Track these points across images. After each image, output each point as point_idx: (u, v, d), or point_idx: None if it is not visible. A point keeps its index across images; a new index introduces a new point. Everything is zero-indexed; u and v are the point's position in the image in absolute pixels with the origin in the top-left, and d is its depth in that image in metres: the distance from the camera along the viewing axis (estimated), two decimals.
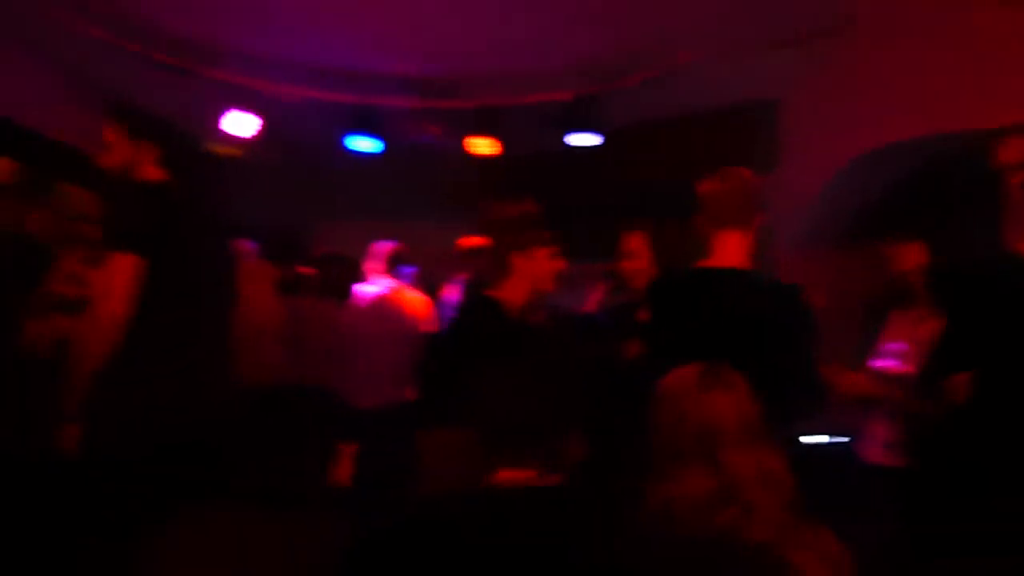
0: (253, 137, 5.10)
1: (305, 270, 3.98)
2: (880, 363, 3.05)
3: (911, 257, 2.98)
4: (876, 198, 4.56)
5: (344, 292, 4.17)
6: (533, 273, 2.46)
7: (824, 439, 4.13)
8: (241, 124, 4.98)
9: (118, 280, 2.15)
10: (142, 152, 2.43)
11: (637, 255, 2.63)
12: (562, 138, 5.01)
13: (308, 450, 1.67)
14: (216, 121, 4.94)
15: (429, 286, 5.10)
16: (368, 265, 4.37)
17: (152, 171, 2.44)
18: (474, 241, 4.32)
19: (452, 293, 4.34)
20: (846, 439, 4.01)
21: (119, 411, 2.15)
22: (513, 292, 2.46)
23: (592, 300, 3.66)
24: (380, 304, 4.28)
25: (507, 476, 1.55)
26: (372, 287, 4.36)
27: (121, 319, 2.13)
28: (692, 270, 2.38)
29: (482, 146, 5.14)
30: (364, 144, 5.21)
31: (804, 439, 4.12)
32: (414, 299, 4.41)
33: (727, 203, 2.31)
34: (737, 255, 2.31)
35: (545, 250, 2.46)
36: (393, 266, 4.43)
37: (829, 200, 4.66)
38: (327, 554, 1.55)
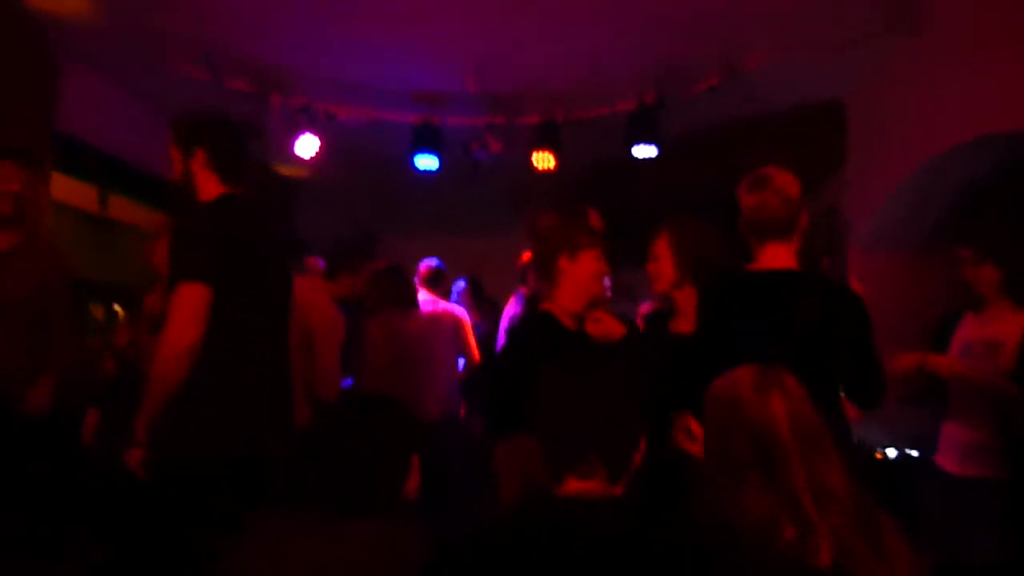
0: (321, 158, 5.24)
1: (366, 283, 4.06)
2: None
3: (983, 268, 2.86)
4: (950, 201, 4.43)
5: (403, 302, 4.23)
6: (579, 277, 2.40)
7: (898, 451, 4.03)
8: (310, 146, 5.12)
9: (187, 307, 2.15)
10: (195, 160, 2.36)
11: (660, 257, 2.60)
12: (627, 149, 5.01)
13: (382, 460, 1.68)
14: (286, 144, 5.10)
15: (492, 300, 5.16)
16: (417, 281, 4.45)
17: (209, 182, 2.36)
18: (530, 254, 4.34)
19: (513, 307, 4.38)
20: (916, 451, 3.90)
21: (190, 431, 2.17)
22: (566, 300, 2.43)
23: (644, 309, 3.65)
24: (418, 320, 4.35)
25: (574, 486, 1.57)
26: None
27: (192, 345, 2.14)
28: (742, 272, 2.34)
29: (546, 160, 5.17)
30: (429, 162, 5.30)
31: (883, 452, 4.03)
32: (449, 314, 4.46)
33: (767, 218, 2.26)
34: (784, 261, 2.28)
35: (590, 252, 2.42)
36: (433, 283, 4.50)
37: (899, 203, 4.54)
38: (401, 566, 1.58)
